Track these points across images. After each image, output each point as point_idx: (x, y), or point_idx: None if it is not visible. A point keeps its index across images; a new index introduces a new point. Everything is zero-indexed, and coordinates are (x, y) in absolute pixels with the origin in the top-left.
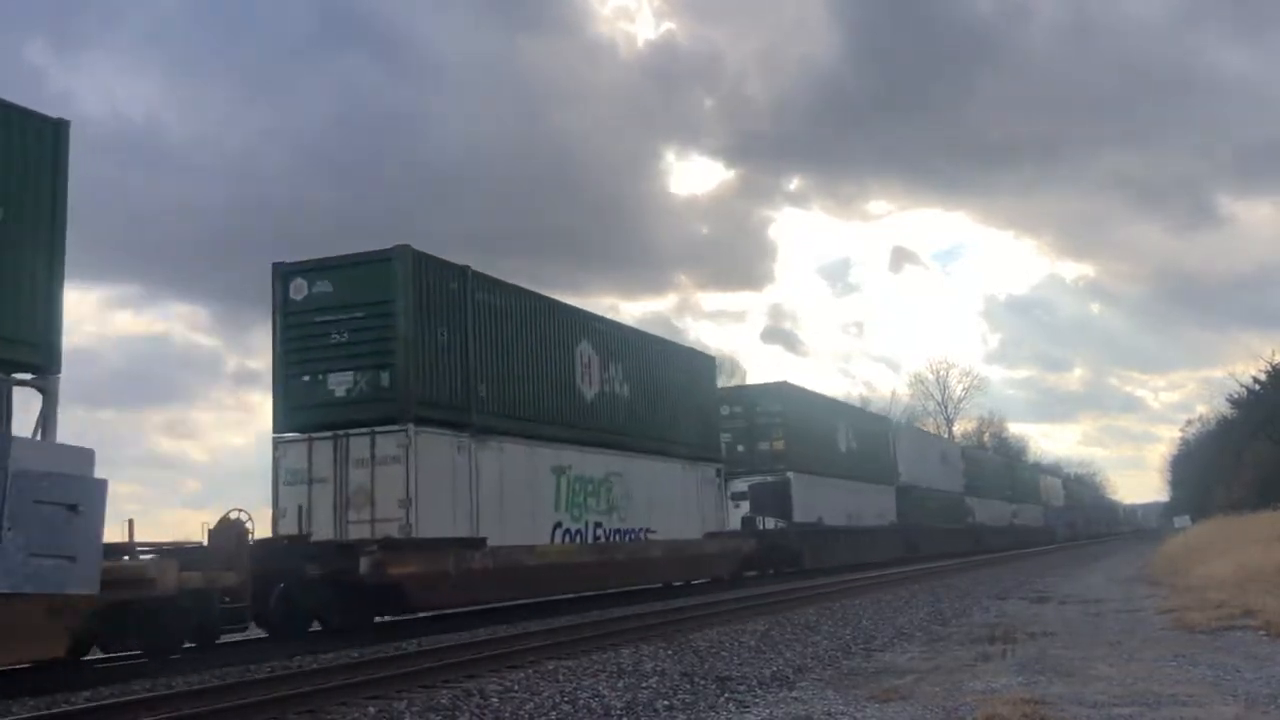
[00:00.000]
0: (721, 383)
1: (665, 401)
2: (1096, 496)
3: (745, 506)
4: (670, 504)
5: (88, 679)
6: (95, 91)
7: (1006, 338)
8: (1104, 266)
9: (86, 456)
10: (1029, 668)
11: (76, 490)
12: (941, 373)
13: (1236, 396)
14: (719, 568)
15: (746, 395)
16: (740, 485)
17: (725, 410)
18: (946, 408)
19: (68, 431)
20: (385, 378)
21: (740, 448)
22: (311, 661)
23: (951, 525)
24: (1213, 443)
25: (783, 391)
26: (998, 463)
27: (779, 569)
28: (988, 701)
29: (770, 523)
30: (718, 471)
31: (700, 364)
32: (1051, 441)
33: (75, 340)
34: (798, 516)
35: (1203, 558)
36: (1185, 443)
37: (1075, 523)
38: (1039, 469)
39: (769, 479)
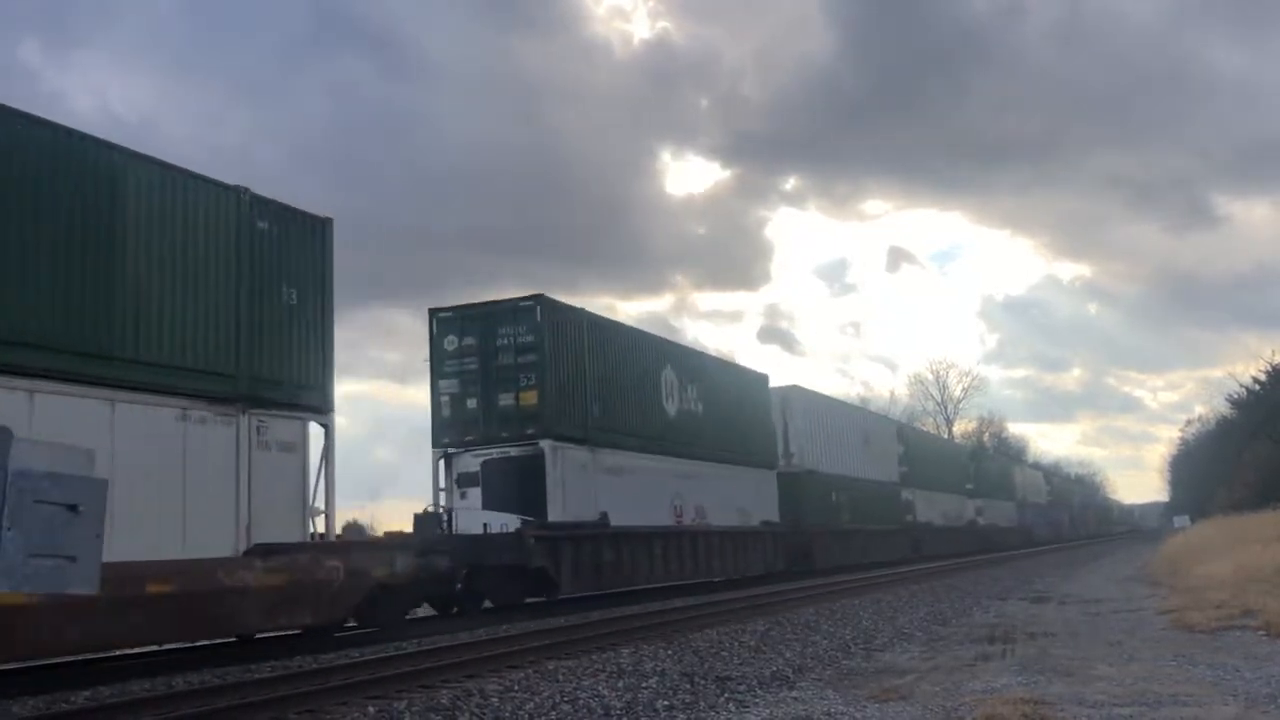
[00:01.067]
0: None
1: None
2: (1087, 493)
3: (477, 496)
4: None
5: (88, 679)
6: (88, 91)
7: (1004, 338)
8: (1101, 266)
9: (86, 456)
10: (1029, 668)
11: (76, 490)
12: (941, 373)
13: (1236, 396)
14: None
15: (481, 319)
16: (472, 462)
17: (451, 343)
18: (946, 408)
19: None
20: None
21: (471, 402)
22: (312, 662)
23: (878, 525)
24: (1212, 443)
25: (540, 311)
26: (952, 449)
27: (495, 600)
28: (987, 701)
29: (506, 523)
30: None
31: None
32: (1051, 442)
33: None
34: (560, 512)
35: (1203, 558)
36: (1185, 443)
37: (1060, 522)
38: (1012, 459)
39: (511, 452)
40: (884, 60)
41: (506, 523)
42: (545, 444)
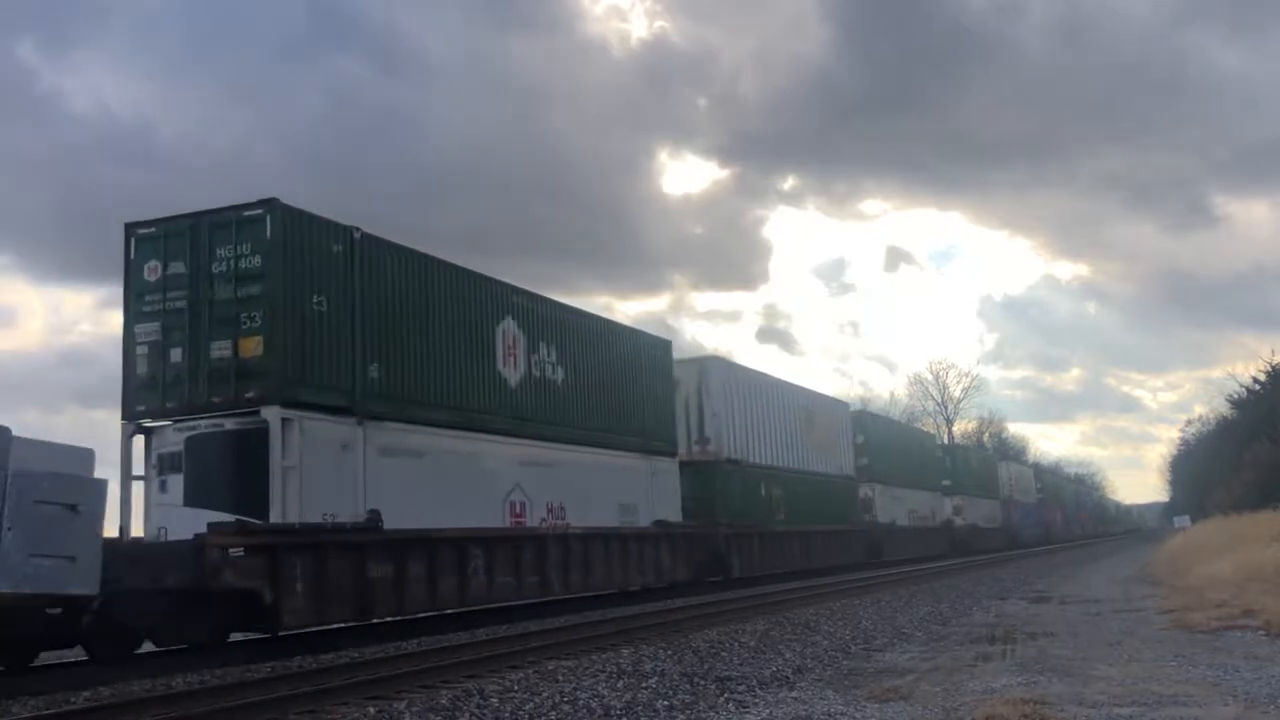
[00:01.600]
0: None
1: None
2: (1081, 491)
3: (177, 488)
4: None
5: (88, 679)
6: (85, 91)
7: (1003, 338)
8: (1099, 266)
9: (86, 456)
10: (1029, 667)
11: (76, 490)
12: (940, 373)
13: (1236, 397)
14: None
15: (193, 236)
16: (174, 439)
17: (153, 271)
18: (946, 408)
19: (64, 433)
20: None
21: (176, 353)
22: (311, 662)
23: (825, 525)
24: (1212, 443)
25: (272, 223)
26: (924, 441)
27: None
28: (987, 701)
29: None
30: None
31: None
32: (1051, 442)
33: (71, 340)
34: (291, 510)
35: (1203, 557)
36: (1185, 443)
37: (1051, 523)
38: (996, 454)
39: (227, 424)
40: (882, 59)
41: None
42: (270, 412)
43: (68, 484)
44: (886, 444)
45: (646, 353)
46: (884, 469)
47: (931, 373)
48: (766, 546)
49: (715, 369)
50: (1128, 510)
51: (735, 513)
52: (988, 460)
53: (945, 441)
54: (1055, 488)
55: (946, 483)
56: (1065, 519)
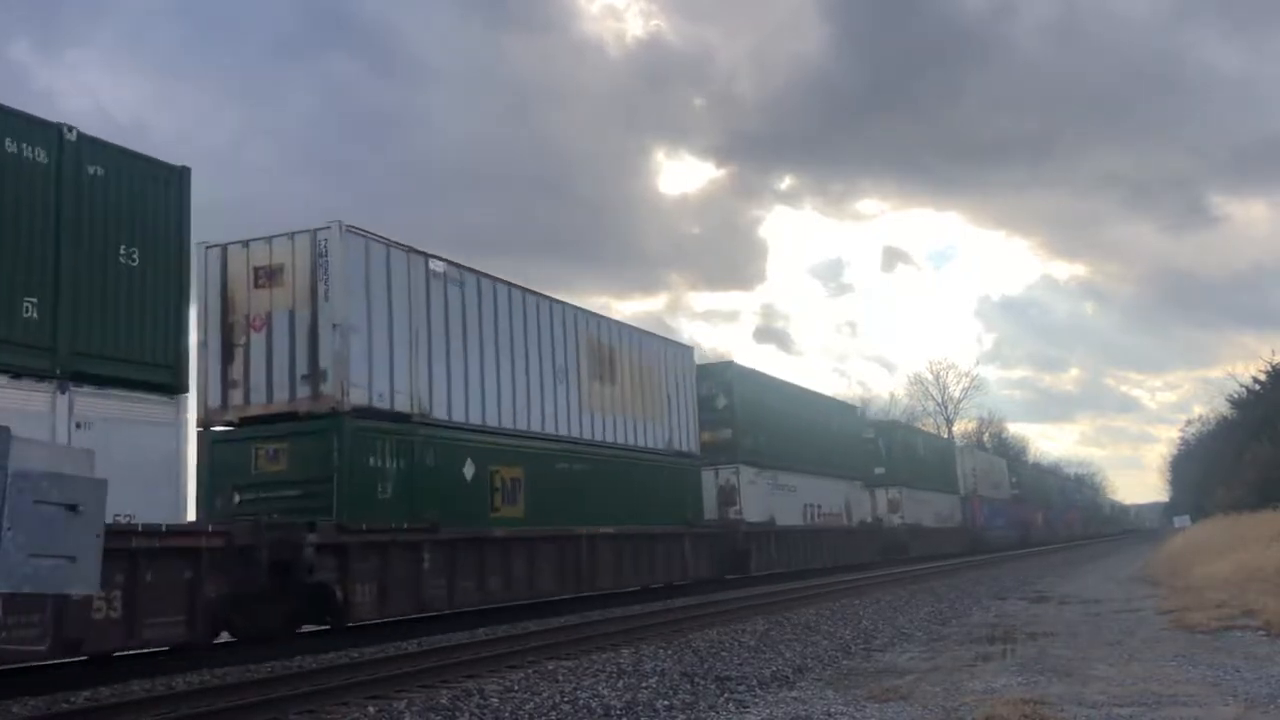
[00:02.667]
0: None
1: None
2: (1069, 488)
3: None
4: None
5: (88, 679)
6: (79, 90)
7: (1001, 338)
8: (1097, 267)
9: (86, 456)
10: (1029, 668)
11: (76, 490)
12: (940, 373)
13: (1236, 397)
14: None
15: None
16: None
17: None
18: (946, 408)
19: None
20: None
21: None
22: (312, 662)
23: (622, 526)
24: (1212, 443)
25: None
26: (834, 414)
27: None
28: (987, 701)
29: None
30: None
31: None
32: (1051, 442)
33: None
34: None
35: (1203, 558)
36: (1185, 443)
37: (1029, 523)
38: (952, 442)
39: None
40: (878, 59)
41: None
42: None
43: (68, 484)
44: (768, 412)
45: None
46: (763, 447)
47: (931, 373)
48: (475, 558)
49: (342, 242)
50: (1124, 510)
51: (372, 504)
52: (942, 448)
53: (883, 418)
54: (1036, 483)
55: (879, 471)
56: (1049, 519)
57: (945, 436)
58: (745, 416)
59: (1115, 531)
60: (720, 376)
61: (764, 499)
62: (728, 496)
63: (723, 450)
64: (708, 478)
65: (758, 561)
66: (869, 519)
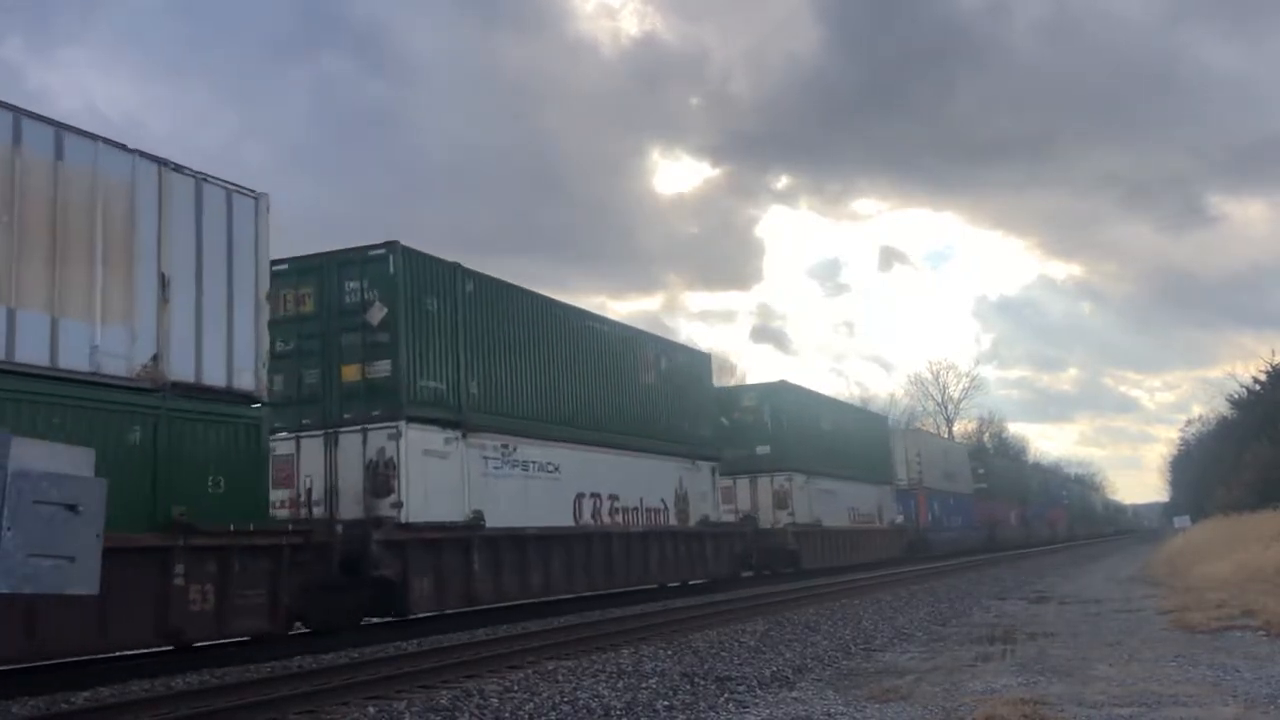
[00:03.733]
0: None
1: None
2: (1054, 483)
3: None
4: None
5: (88, 679)
6: (73, 90)
7: (999, 338)
8: (1094, 266)
9: (86, 456)
10: (1029, 668)
11: (76, 490)
12: (940, 373)
13: (1236, 397)
14: None
15: None
16: None
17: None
18: (946, 408)
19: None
20: None
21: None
22: (312, 662)
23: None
24: (1212, 443)
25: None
26: (685, 365)
27: None
28: (987, 701)
29: None
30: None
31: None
32: (1050, 442)
33: None
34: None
35: (1202, 558)
36: (1185, 443)
37: (998, 522)
38: (885, 420)
39: None
40: (874, 58)
41: None
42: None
43: (68, 484)
44: (809, 424)
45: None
46: (809, 455)
47: (931, 372)
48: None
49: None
50: (1122, 509)
51: None
52: (867, 424)
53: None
54: (1011, 476)
55: (763, 451)
56: (1026, 518)
57: (871, 415)
58: (791, 428)
59: (1111, 532)
60: (768, 394)
61: (516, 500)
62: (781, 500)
63: (775, 459)
64: (763, 484)
65: (515, 579)
66: (710, 518)
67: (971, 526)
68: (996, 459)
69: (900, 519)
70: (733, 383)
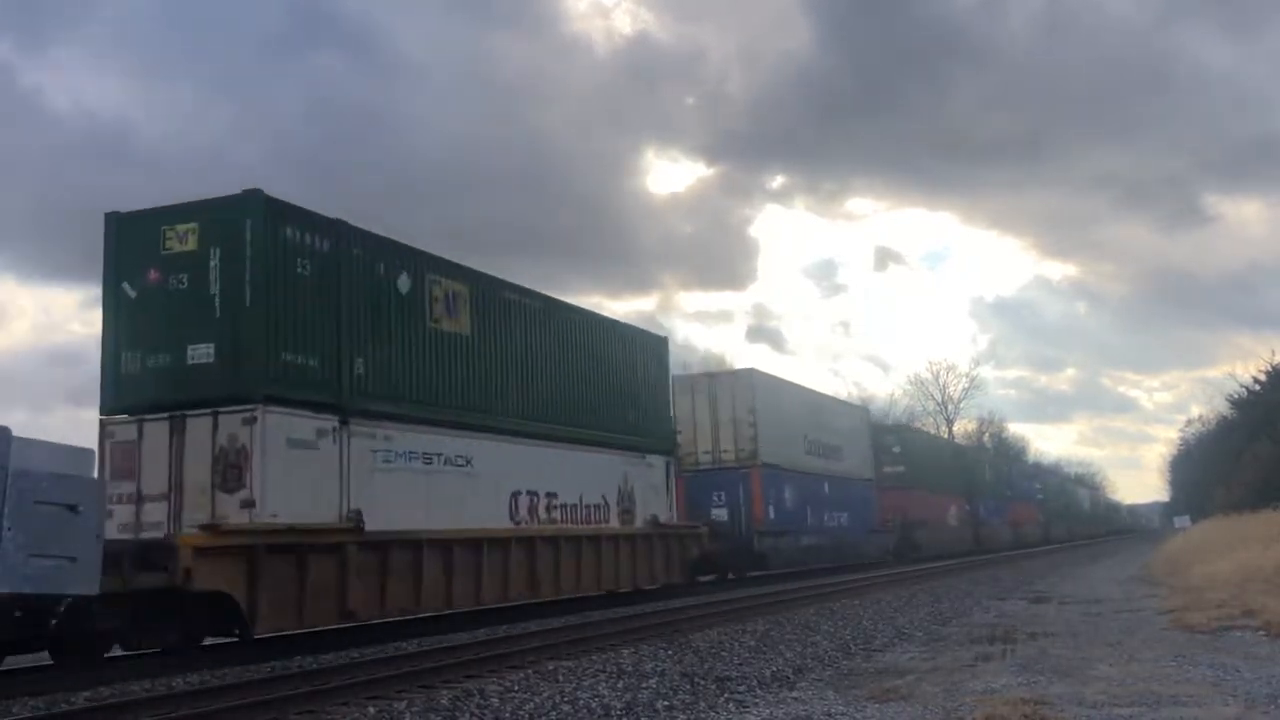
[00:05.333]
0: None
1: None
2: (1015, 472)
3: None
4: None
5: (88, 679)
6: (63, 89)
7: (996, 338)
8: (1090, 266)
9: (86, 456)
10: (1029, 668)
11: (76, 490)
12: (940, 373)
13: (1236, 397)
14: None
15: None
16: None
17: None
18: (946, 408)
19: (55, 432)
20: None
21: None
22: (312, 662)
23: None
24: (1212, 443)
25: None
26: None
27: None
28: (988, 701)
29: None
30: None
31: None
32: (1049, 442)
33: (58, 339)
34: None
35: (1203, 558)
36: (1185, 443)
37: (923, 520)
38: (662, 352)
39: None
40: (868, 57)
41: None
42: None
43: (68, 484)
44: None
45: (643, 348)
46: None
47: (931, 373)
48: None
49: None
50: (1115, 508)
51: None
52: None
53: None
54: (946, 459)
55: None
56: (974, 516)
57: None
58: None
59: (1104, 533)
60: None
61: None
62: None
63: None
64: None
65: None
66: (664, 516)
67: (868, 528)
68: (917, 436)
69: (666, 517)
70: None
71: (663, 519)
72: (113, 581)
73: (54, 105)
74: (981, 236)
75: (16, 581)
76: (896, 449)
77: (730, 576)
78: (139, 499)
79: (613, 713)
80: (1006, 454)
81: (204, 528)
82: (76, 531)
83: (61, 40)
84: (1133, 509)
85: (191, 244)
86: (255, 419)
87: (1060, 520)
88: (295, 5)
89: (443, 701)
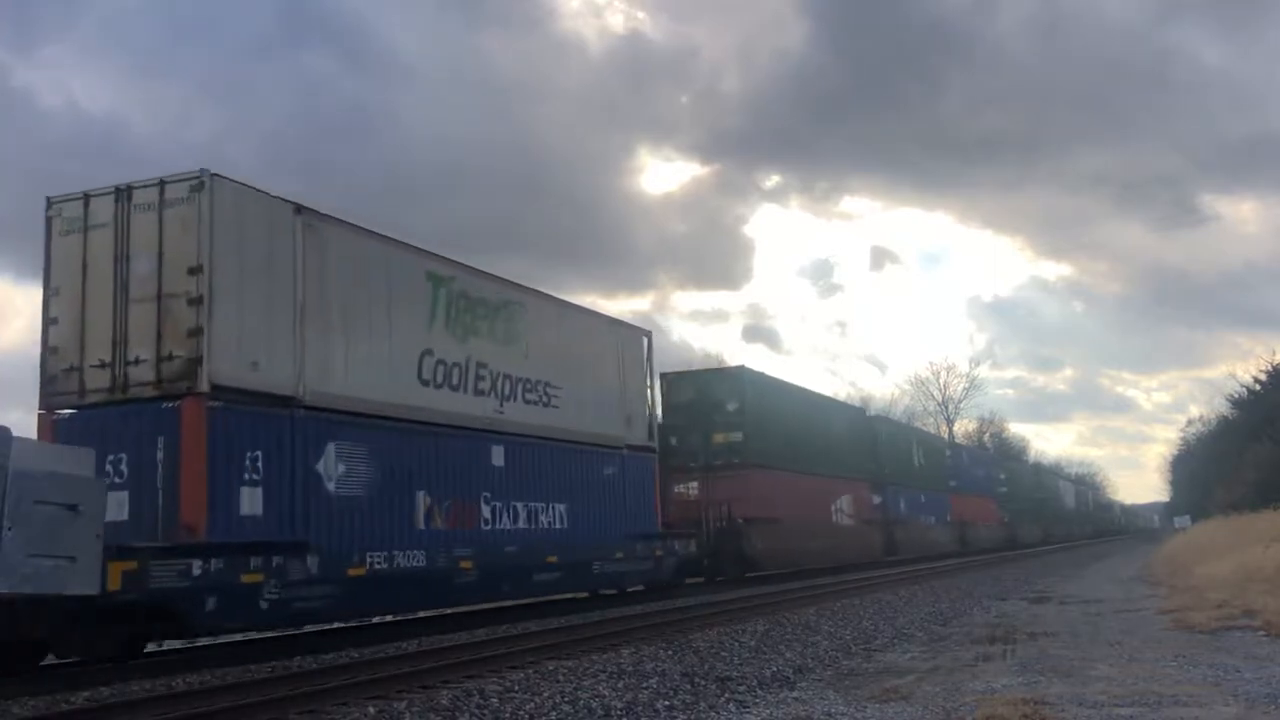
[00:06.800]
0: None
1: None
2: (979, 460)
3: None
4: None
5: (88, 679)
6: (54, 88)
7: (993, 338)
8: (1086, 266)
9: (86, 456)
10: (1029, 668)
11: (76, 490)
12: (940, 373)
13: (1236, 397)
14: None
15: None
16: None
17: None
18: (946, 408)
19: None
20: None
21: None
22: (312, 662)
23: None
24: (1212, 443)
25: None
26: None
27: None
28: (988, 701)
29: None
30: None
31: None
32: (1047, 442)
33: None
34: None
35: (1203, 558)
36: (1185, 443)
37: (771, 519)
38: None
39: None
40: (863, 56)
41: None
42: None
43: (68, 484)
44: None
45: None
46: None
47: (932, 372)
48: None
49: None
50: (1107, 507)
51: None
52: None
53: None
54: (848, 433)
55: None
56: (902, 511)
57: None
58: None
59: (1090, 535)
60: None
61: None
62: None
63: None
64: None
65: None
66: None
67: (624, 533)
68: (769, 385)
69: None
70: None
71: None
72: None
73: (45, 103)
74: (977, 236)
75: (16, 581)
76: (732, 406)
77: None
78: None
79: (613, 713)
80: (932, 436)
81: None
82: (76, 531)
83: (52, 39)
84: (1129, 509)
85: None
86: None
87: (1033, 520)
88: (286, 4)
89: (443, 701)
